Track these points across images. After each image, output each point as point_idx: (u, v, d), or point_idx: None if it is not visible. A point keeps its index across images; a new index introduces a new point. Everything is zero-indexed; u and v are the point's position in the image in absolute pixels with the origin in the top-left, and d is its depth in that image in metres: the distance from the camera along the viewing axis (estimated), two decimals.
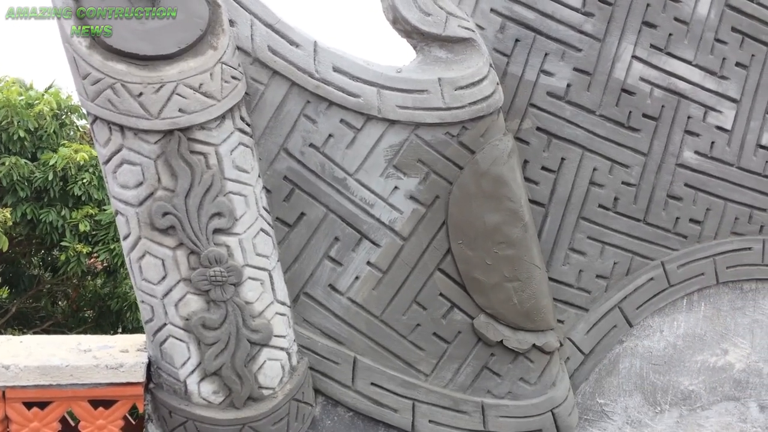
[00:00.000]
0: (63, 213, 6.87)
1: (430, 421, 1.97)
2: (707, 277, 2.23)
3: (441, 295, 1.95)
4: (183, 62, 1.62)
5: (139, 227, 1.65)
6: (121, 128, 1.60)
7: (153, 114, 1.58)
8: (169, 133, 1.60)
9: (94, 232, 6.85)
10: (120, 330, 7.34)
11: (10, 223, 6.33)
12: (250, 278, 1.73)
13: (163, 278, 1.68)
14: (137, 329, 7.58)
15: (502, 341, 1.96)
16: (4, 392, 1.69)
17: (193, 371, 1.73)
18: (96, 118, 1.62)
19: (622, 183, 2.11)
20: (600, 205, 2.09)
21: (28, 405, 1.72)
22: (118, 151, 1.62)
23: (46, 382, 1.70)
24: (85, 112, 1.66)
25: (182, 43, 1.61)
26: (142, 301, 1.73)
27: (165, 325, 1.71)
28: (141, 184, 1.62)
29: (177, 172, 1.62)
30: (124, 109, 1.57)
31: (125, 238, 1.70)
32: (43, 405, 1.74)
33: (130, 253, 1.70)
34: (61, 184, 6.93)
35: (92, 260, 7.28)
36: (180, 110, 1.59)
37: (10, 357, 1.73)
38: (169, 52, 1.60)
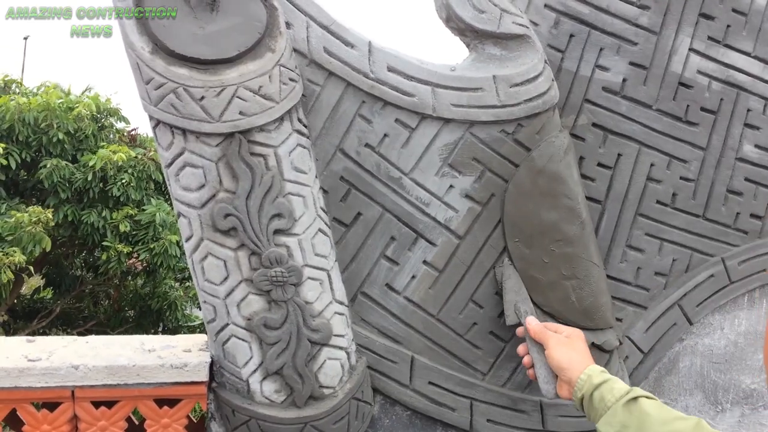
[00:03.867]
0: (103, 214, 7.01)
1: (488, 420, 1.96)
2: None
3: (497, 293, 1.94)
4: (243, 65, 1.63)
5: (202, 229, 1.67)
6: (184, 132, 1.62)
7: (215, 117, 1.60)
8: (230, 135, 1.62)
9: (134, 233, 6.99)
10: (161, 329, 7.47)
11: (52, 224, 6.48)
12: (309, 278, 1.74)
13: (225, 279, 1.70)
14: (177, 328, 7.71)
15: None
16: (73, 392, 1.73)
17: (255, 370, 1.75)
18: (158, 122, 1.65)
19: (681, 178, 2.06)
20: (658, 201, 2.05)
21: (96, 404, 1.76)
22: (181, 154, 1.64)
23: (113, 381, 1.73)
24: (148, 116, 1.68)
25: (242, 46, 1.63)
26: (205, 301, 1.75)
27: (227, 325, 1.73)
28: (203, 186, 1.65)
29: (238, 174, 1.63)
30: (187, 112, 1.59)
31: (188, 239, 1.72)
32: (109, 404, 1.77)
33: (192, 254, 1.72)
34: (101, 185, 7.07)
35: (132, 260, 7.43)
36: (240, 113, 1.61)
37: (78, 357, 1.77)
38: (229, 55, 1.62)
